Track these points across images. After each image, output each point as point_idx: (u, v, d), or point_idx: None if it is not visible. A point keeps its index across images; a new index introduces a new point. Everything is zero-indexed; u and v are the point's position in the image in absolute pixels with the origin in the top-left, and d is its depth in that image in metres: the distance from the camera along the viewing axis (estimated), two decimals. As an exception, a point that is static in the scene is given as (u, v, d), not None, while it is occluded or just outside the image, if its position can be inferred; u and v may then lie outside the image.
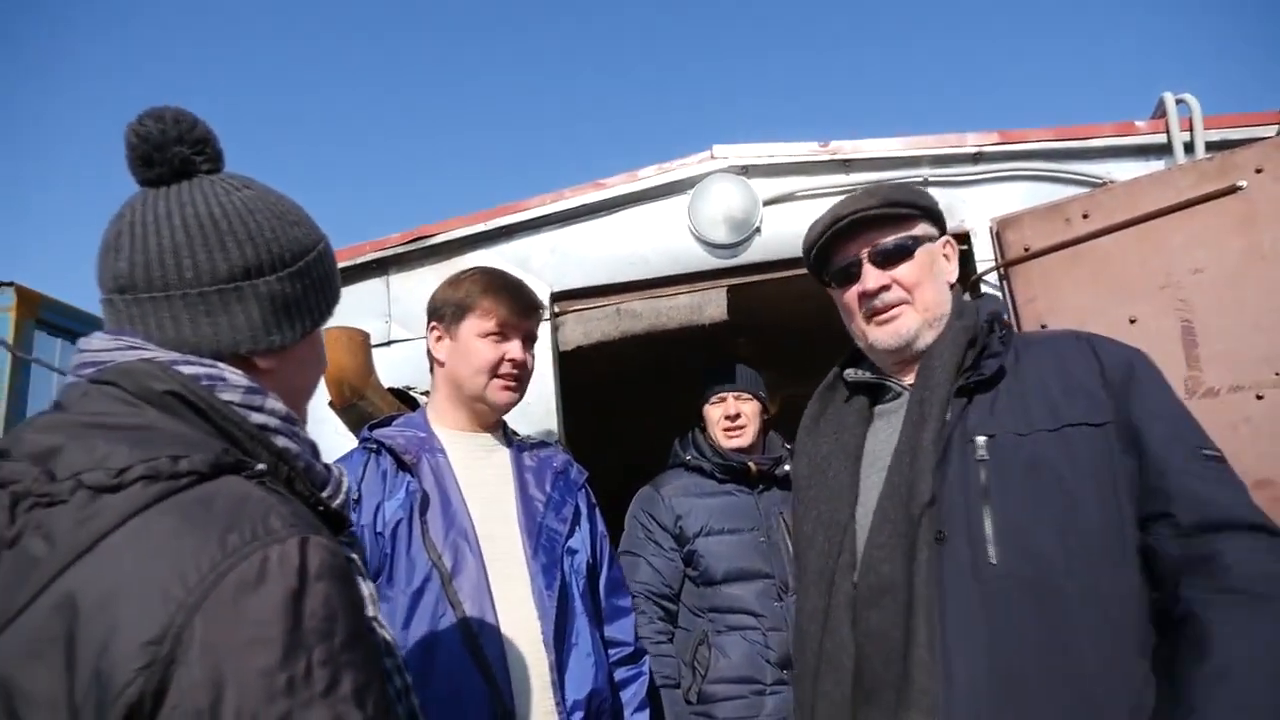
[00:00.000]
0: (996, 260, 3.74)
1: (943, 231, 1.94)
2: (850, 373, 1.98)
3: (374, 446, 2.19)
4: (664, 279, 4.11)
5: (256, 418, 1.04)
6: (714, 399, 3.39)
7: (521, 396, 2.34)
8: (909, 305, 1.81)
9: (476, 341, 2.24)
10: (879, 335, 1.84)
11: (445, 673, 1.91)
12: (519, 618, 2.04)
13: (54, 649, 0.79)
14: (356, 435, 2.54)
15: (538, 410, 3.90)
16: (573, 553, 2.22)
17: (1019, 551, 1.52)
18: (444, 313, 2.30)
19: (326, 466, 1.12)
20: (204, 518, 0.86)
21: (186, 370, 1.01)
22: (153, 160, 1.07)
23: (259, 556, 0.83)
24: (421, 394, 3.77)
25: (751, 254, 4.05)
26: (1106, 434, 1.58)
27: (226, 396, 1.03)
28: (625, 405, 6.03)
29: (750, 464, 3.27)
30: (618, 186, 4.15)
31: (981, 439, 1.62)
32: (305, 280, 1.14)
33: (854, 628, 1.68)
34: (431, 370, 2.37)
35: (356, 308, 4.05)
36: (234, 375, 1.05)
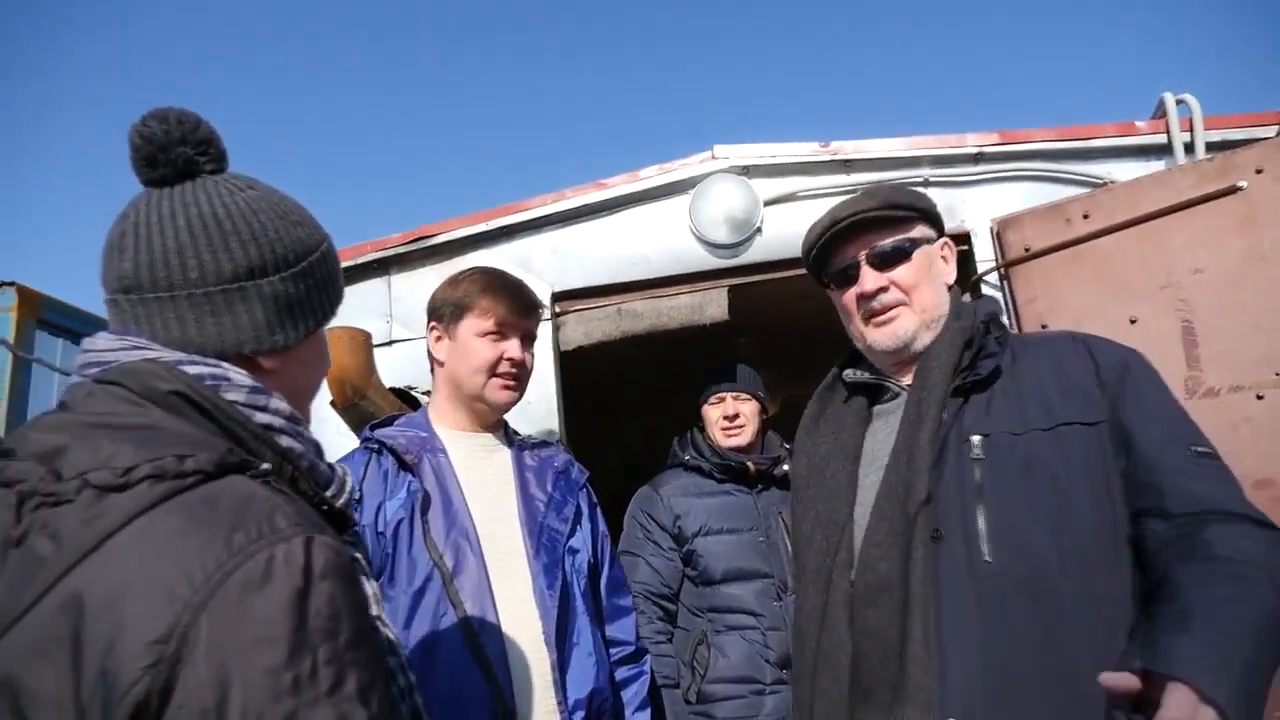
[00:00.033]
0: (997, 260, 3.75)
1: (941, 233, 1.95)
2: (849, 373, 1.99)
3: (375, 446, 2.19)
4: (665, 279, 4.11)
5: (261, 417, 1.05)
6: (713, 399, 3.39)
7: (521, 396, 2.34)
8: (906, 307, 1.83)
9: (475, 341, 2.25)
10: (877, 336, 1.86)
11: (446, 672, 1.91)
12: (520, 617, 2.04)
13: (60, 648, 0.79)
14: (358, 435, 2.55)
15: (539, 410, 3.90)
16: (574, 552, 2.22)
17: (1013, 550, 1.53)
18: (443, 312, 2.31)
19: (330, 466, 1.13)
20: (209, 517, 0.86)
21: (191, 370, 1.02)
22: (157, 161, 1.07)
23: (264, 556, 0.84)
24: (423, 394, 3.78)
25: (752, 254, 4.06)
26: (1100, 433, 1.59)
27: (231, 396, 1.03)
28: (626, 405, 6.04)
29: (749, 464, 3.27)
30: (619, 186, 4.15)
31: (977, 438, 1.63)
32: (309, 280, 1.14)
33: (851, 626, 1.69)
34: (432, 370, 2.38)
35: (358, 307, 4.06)
36: (238, 375, 1.05)
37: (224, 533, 0.84)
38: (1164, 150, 3.82)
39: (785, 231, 3.98)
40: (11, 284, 4.86)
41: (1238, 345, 3.10)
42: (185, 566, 0.82)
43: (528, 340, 2.33)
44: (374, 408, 3.23)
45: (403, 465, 2.14)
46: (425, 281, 4.04)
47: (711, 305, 4.03)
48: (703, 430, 3.42)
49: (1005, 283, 3.71)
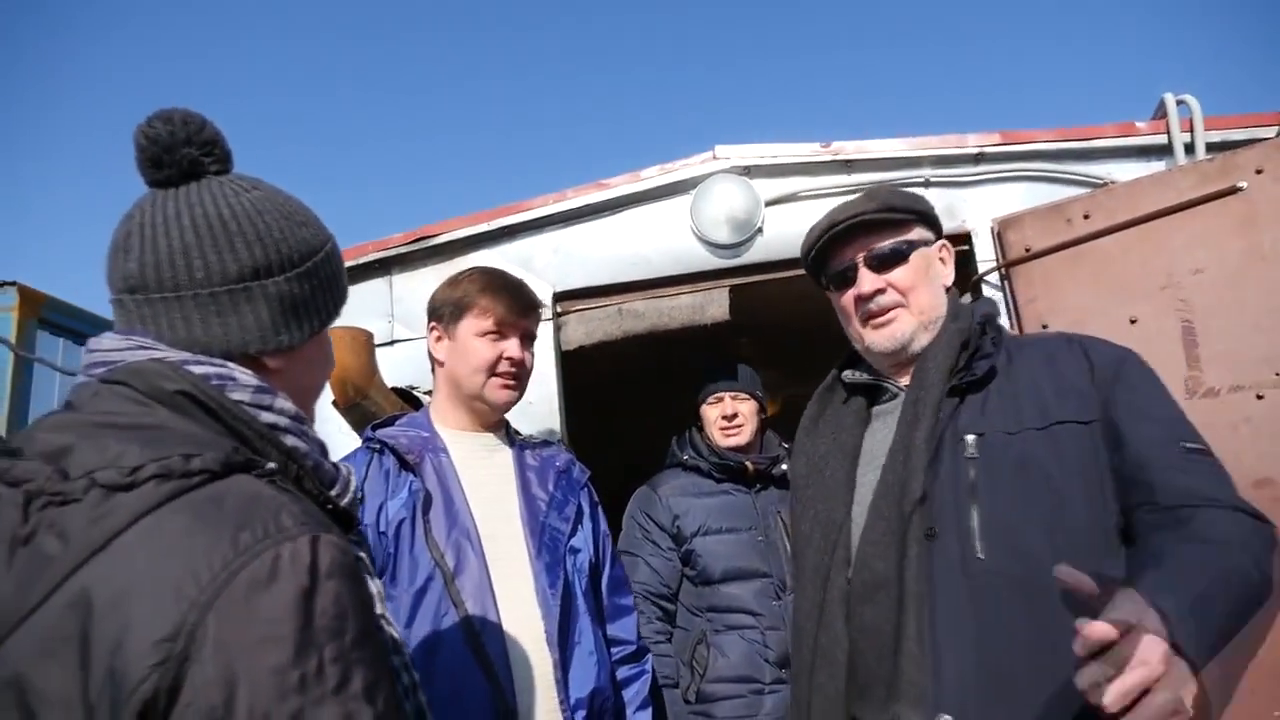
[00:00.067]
0: (998, 260, 3.75)
1: (939, 235, 1.97)
2: (848, 374, 2.01)
3: (377, 446, 2.20)
4: (666, 279, 4.12)
5: (266, 417, 1.05)
6: (711, 398, 3.39)
7: (521, 395, 2.34)
8: (904, 309, 1.85)
9: (474, 341, 2.25)
10: (875, 338, 1.88)
11: (447, 671, 1.92)
12: (522, 616, 2.05)
13: (68, 647, 0.80)
14: (360, 435, 2.55)
15: (540, 410, 3.91)
16: (575, 552, 2.23)
17: (1006, 548, 1.55)
18: (442, 313, 2.32)
19: (335, 465, 1.13)
20: (216, 516, 0.86)
21: (197, 370, 1.02)
22: (162, 162, 1.08)
23: (271, 555, 0.84)
24: (425, 393, 3.78)
25: (754, 254, 4.06)
26: (1093, 432, 1.60)
27: (236, 396, 1.03)
28: (627, 405, 6.04)
29: (747, 463, 3.28)
30: (620, 187, 4.16)
31: (971, 438, 1.64)
32: (313, 280, 1.15)
33: (848, 623, 1.72)
34: (433, 370, 2.38)
35: (359, 307, 4.06)
36: (244, 375, 1.06)
37: (230, 532, 0.85)
38: (1164, 151, 3.82)
39: (786, 232, 3.98)
40: (13, 284, 4.87)
41: (1238, 345, 3.10)
42: (192, 565, 0.82)
43: (527, 339, 2.33)
44: (376, 407, 3.23)
45: (404, 465, 2.14)
46: (427, 281, 4.04)
47: (713, 305, 4.03)
48: (701, 430, 3.42)
49: (1006, 283, 3.72)
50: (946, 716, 1.48)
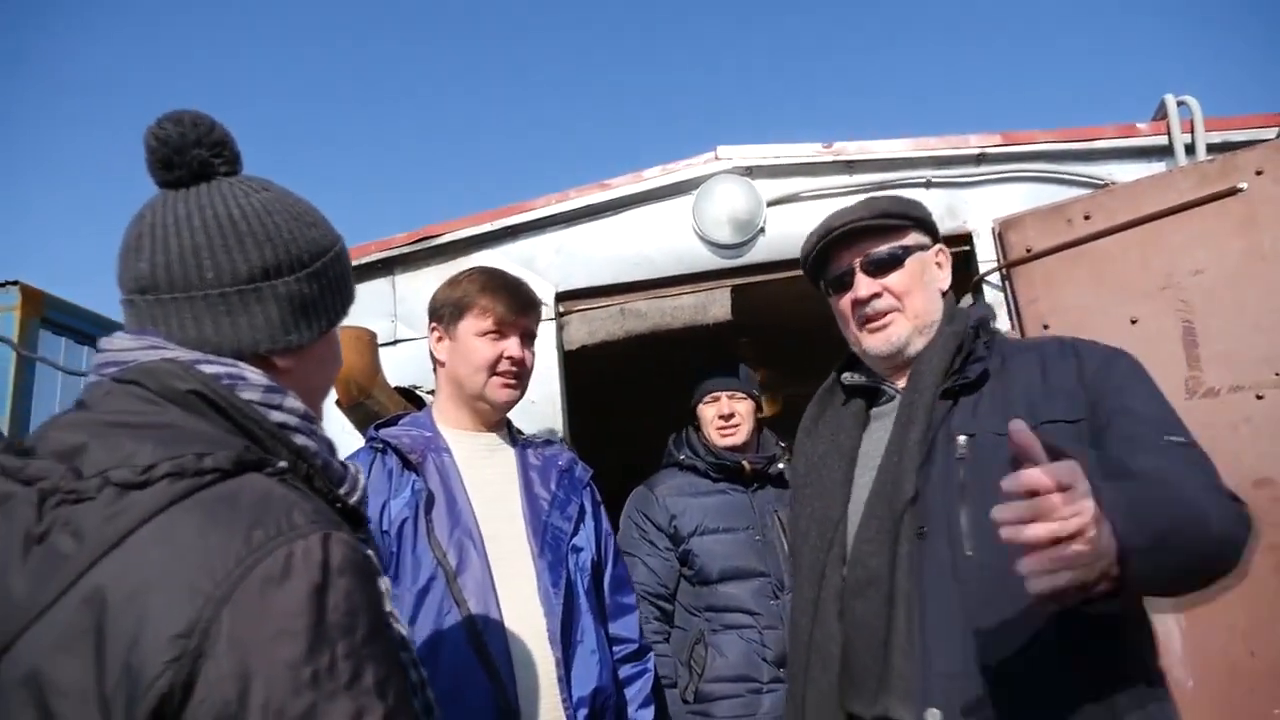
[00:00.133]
0: (999, 261, 3.76)
1: (936, 240, 1.99)
2: (846, 376, 2.04)
3: (380, 445, 2.20)
4: (668, 279, 4.13)
5: (276, 416, 1.06)
6: (708, 398, 3.39)
7: (522, 394, 2.35)
8: (899, 313, 1.88)
9: (474, 340, 2.26)
10: (871, 342, 1.91)
11: (450, 670, 1.92)
12: (524, 615, 2.05)
13: (84, 642, 0.81)
14: (363, 434, 2.56)
15: (543, 409, 3.91)
16: (578, 550, 2.23)
17: (994, 547, 1.56)
18: (443, 313, 2.32)
19: (343, 464, 1.14)
20: (229, 514, 0.87)
21: (208, 369, 1.03)
22: (172, 163, 1.08)
23: (283, 552, 0.85)
24: (427, 393, 3.79)
25: (755, 254, 4.07)
26: (1080, 431, 1.63)
27: (247, 395, 1.04)
28: (628, 405, 6.05)
29: (744, 463, 3.28)
30: (623, 187, 4.16)
31: (963, 439, 1.67)
32: (322, 281, 1.16)
33: (841, 618, 1.76)
34: (434, 370, 2.39)
35: (362, 307, 4.06)
36: (254, 374, 1.07)
37: (244, 529, 0.86)
38: (1165, 152, 3.83)
39: (788, 232, 3.99)
40: (15, 283, 4.87)
41: (1238, 345, 3.12)
42: (206, 562, 0.83)
43: (527, 338, 2.34)
44: (379, 407, 3.24)
45: (407, 464, 2.15)
46: (430, 281, 4.04)
47: (715, 305, 4.04)
48: (698, 429, 3.42)
49: (1007, 283, 3.73)
50: (935, 710, 1.52)
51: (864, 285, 1.89)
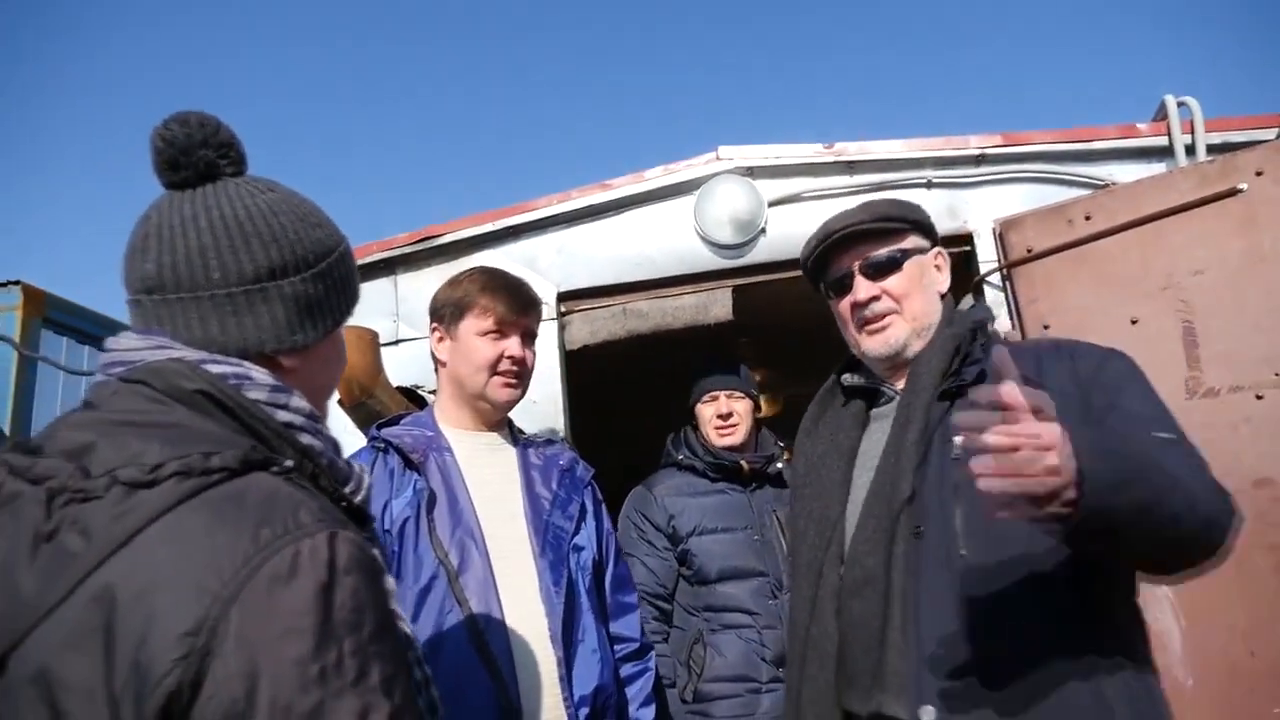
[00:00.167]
0: (999, 261, 3.76)
1: (934, 243, 2.01)
2: (846, 378, 2.06)
3: (381, 445, 2.21)
4: (670, 279, 4.13)
5: (282, 415, 1.06)
6: (706, 397, 3.38)
7: (523, 393, 2.35)
8: (898, 315, 1.90)
9: (475, 340, 2.26)
10: (870, 344, 1.93)
11: (451, 669, 1.93)
12: (526, 614, 2.06)
13: (93, 640, 0.81)
14: (364, 433, 2.56)
15: (545, 409, 3.92)
16: (579, 550, 2.24)
17: (987, 546, 1.60)
18: (444, 313, 2.33)
19: (348, 463, 1.14)
20: (236, 513, 0.88)
21: (214, 369, 1.03)
22: (179, 164, 1.09)
23: (290, 551, 0.86)
24: (429, 392, 3.79)
25: (757, 254, 4.08)
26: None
27: (253, 395, 1.04)
28: (629, 405, 6.05)
29: (743, 462, 3.27)
30: (624, 187, 4.17)
31: (958, 439, 1.68)
32: (327, 281, 1.16)
33: (838, 617, 1.78)
34: (436, 370, 2.39)
35: (364, 307, 4.03)
36: (260, 374, 1.07)
37: (251, 528, 0.86)
38: (1165, 152, 3.83)
39: (789, 232, 4.00)
40: (17, 283, 4.87)
41: (1238, 346, 3.12)
42: (214, 561, 0.84)
43: (528, 338, 2.34)
44: (381, 406, 3.24)
45: (408, 464, 2.15)
46: (431, 281, 4.04)
47: (716, 305, 4.05)
48: (696, 429, 3.42)
49: (1008, 283, 3.73)
50: (929, 708, 1.53)
51: (863, 288, 1.91)
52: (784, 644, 2.51)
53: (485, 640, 1.98)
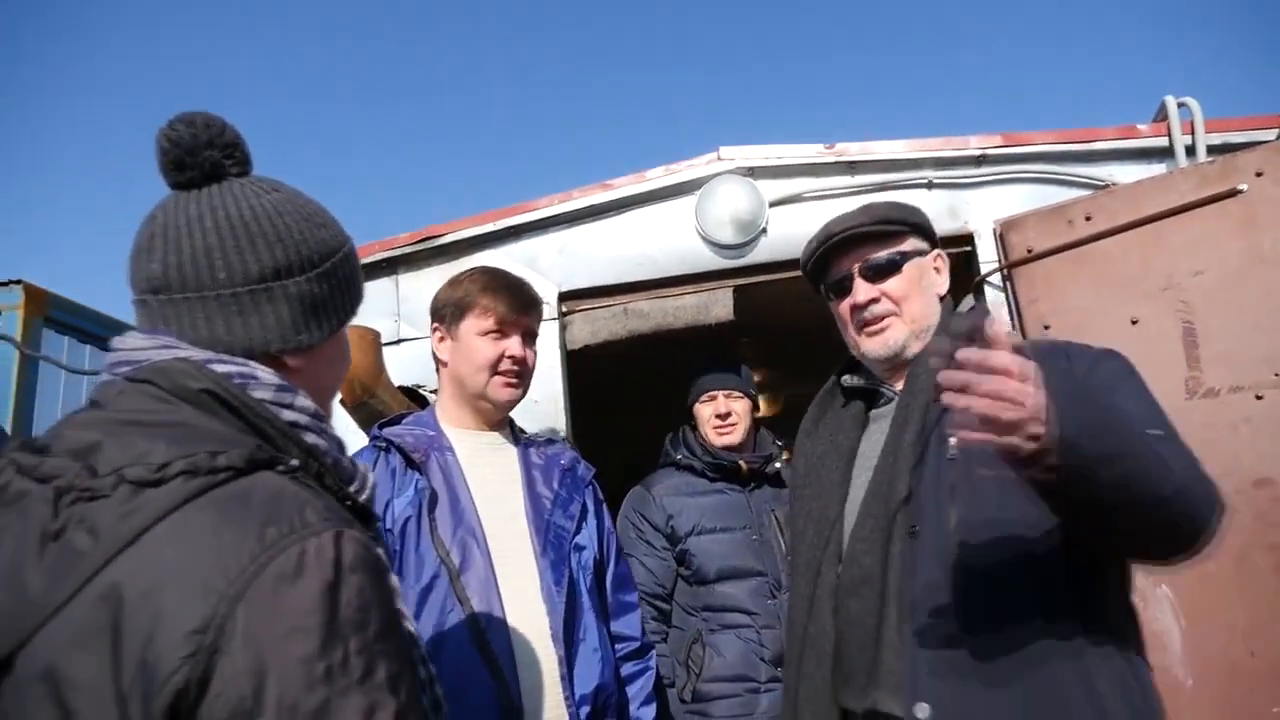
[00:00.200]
0: (1000, 262, 3.77)
1: (934, 245, 2.03)
2: (846, 379, 2.08)
3: (383, 444, 2.21)
4: (671, 279, 4.13)
5: (287, 415, 1.07)
6: (704, 397, 3.38)
7: (524, 393, 2.36)
8: (897, 317, 1.92)
9: (476, 340, 2.27)
10: (869, 345, 1.94)
11: (453, 668, 1.93)
12: (527, 614, 2.06)
13: (100, 638, 0.82)
14: (366, 433, 2.57)
15: (546, 409, 3.92)
16: (580, 549, 2.24)
17: (981, 546, 1.61)
18: (444, 313, 2.33)
19: (353, 462, 1.15)
20: (242, 512, 0.88)
21: (220, 369, 1.03)
22: (184, 164, 1.09)
23: (297, 550, 0.86)
24: (430, 392, 3.80)
25: (758, 254, 4.08)
26: None
27: (258, 394, 1.05)
28: (631, 405, 6.05)
29: (741, 462, 3.27)
30: (625, 187, 4.17)
31: (954, 440, 1.70)
32: (332, 281, 1.16)
33: (835, 615, 1.80)
34: (437, 370, 2.40)
35: (366, 307, 4.00)
36: (265, 373, 1.07)
37: (257, 527, 0.87)
38: (1165, 153, 3.84)
39: (790, 232, 3.99)
40: (18, 282, 4.87)
41: (1238, 346, 3.12)
42: (220, 560, 0.84)
43: (529, 337, 2.35)
44: (382, 406, 3.25)
45: (410, 463, 2.16)
46: (433, 281, 4.04)
47: (717, 305, 4.05)
48: (695, 429, 3.42)
49: (1008, 284, 3.73)
50: (924, 705, 1.55)
51: (862, 290, 1.93)
52: (782, 644, 2.51)
53: (487, 639, 1.98)
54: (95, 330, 5.38)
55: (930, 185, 3.99)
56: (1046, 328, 3.46)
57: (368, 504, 1.13)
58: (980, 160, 4.00)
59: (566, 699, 2.03)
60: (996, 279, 3.79)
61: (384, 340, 3.67)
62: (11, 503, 0.92)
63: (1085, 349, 1.79)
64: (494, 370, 2.26)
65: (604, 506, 2.45)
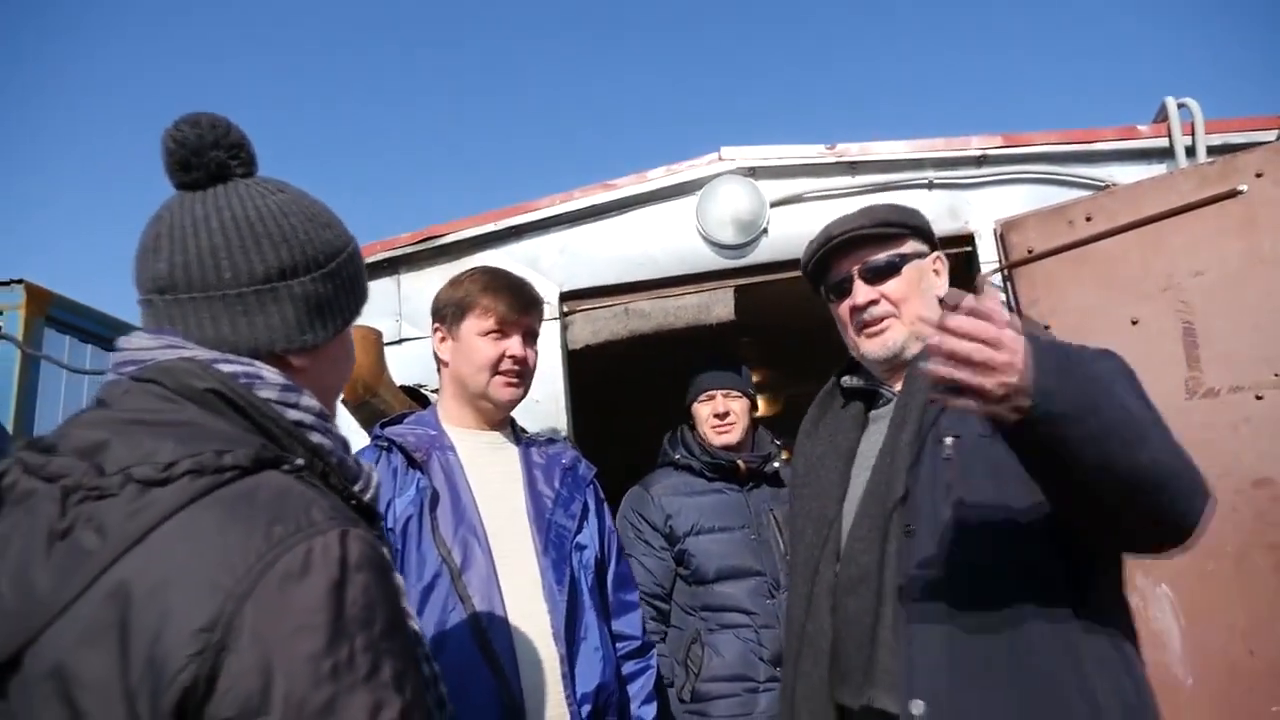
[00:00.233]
0: (1000, 262, 3.77)
1: (933, 248, 2.04)
2: (846, 380, 2.10)
3: (385, 444, 2.22)
4: (672, 279, 4.14)
5: (292, 414, 1.07)
6: (703, 396, 3.38)
7: (525, 392, 2.36)
8: (896, 318, 1.93)
9: (476, 340, 2.27)
10: (869, 346, 1.96)
11: (454, 666, 1.92)
12: (529, 612, 2.07)
13: (108, 636, 0.82)
14: (368, 432, 2.57)
15: (547, 408, 3.93)
16: (581, 548, 2.25)
17: (976, 545, 1.63)
18: (445, 313, 2.34)
19: (357, 462, 1.15)
20: (249, 511, 0.89)
21: (225, 368, 1.04)
22: (190, 165, 1.09)
23: (303, 548, 0.87)
24: (432, 391, 3.80)
25: (759, 255, 4.09)
26: None
27: (264, 394, 1.05)
28: (632, 404, 6.06)
29: (739, 462, 3.27)
30: (627, 187, 4.18)
31: (949, 440, 1.73)
32: (336, 281, 1.17)
33: (833, 613, 1.82)
34: (438, 370, 2.40)
35: (367, 306, 4.06)
36: (270, 373, 1.08)
37: (263, 526, 0.87)
38: (1165, 154, 3.84)
39: (791, 232, 4.00)
40: (20, 281, 4.87)
41: (1238, 346, 3.13)
42: (227, 558, 0.85)
43: (529, 337, 2.35)
44: (384, 405, 3.25)
45: (412, 463, 2.16)
46: (434, 281, 4.04)
47: (718, 305, 4.06)
48: (693, 428, 3.41)
49: (1009, 284, 3.74)
50: (919, 702, 1.56)
51: (862, 292, 1.95)
52: (781, 643, 2.52)
53: (488, 638, 1.99)
54: (96, 330, 5.39)
55: (931, 186, 4.00)
56: (1047, 328, 3.46)
57: (372, 503, 1.14)
58: (981, 161, 4.01)
59: (568, 697, 2.04)
60: (997, 279, 3.79)
61: (386, 340, 3.68)
62: (19, 501, 0.92)
63: (1083, 348, 1.80)
64: (494, 370, 2.26)
65: (605, 506, 2.46)
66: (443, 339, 2.34)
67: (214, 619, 0.82)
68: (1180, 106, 3.81)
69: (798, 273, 2.19)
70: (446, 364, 2.34)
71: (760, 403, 7.60)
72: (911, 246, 1.97)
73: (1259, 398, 3.08)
